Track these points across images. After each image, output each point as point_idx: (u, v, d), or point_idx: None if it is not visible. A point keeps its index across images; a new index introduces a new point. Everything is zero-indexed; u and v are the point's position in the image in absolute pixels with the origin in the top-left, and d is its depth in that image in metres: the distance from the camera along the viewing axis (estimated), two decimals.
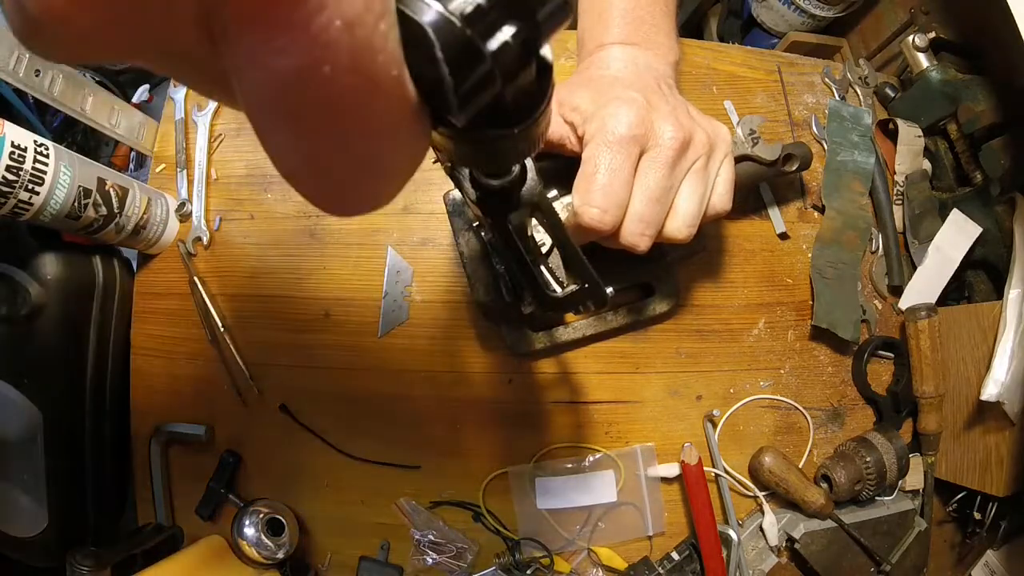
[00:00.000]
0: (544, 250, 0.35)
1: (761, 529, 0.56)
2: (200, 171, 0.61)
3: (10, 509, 0.52)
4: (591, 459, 0.57)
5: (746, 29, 0.97)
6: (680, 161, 0.39)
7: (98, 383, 0.56)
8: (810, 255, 0.61)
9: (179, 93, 0.63)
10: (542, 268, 0.33)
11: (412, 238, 0.59)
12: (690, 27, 1.04)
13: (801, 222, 0.63)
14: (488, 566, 0.56)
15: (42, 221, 0.46)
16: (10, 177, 0.42)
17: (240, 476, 0.57)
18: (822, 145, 0.64)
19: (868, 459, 0.55)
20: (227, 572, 0.52)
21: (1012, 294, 0.53)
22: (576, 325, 0.56)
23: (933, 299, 0.60)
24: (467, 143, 0.18)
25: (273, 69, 0.12)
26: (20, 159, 0.42)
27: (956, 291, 0.64)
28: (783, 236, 0.62)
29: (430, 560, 0.55)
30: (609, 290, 0.33)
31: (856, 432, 0.60)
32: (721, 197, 0.43)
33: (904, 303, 0.60)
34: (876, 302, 0.63)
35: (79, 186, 0.47)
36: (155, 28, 0.12)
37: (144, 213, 0.55)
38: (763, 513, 0.57)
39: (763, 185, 0.62)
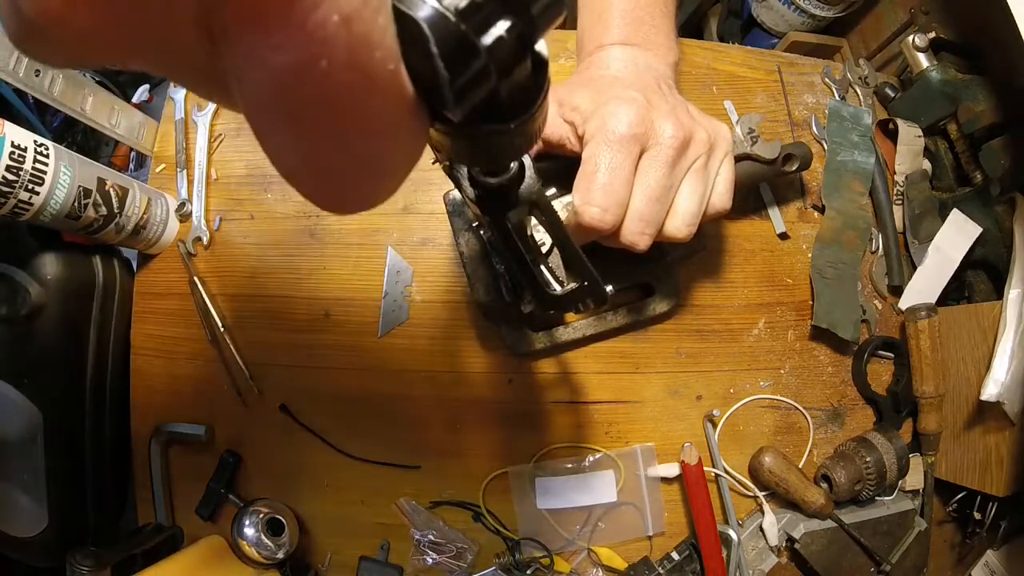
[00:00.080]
0: (544, 249, 0.35)
1: (761, 529, 0.56)
2: (200, 171, 0.61)
3: (10, 509, 0.52)
4: (591, 459, 0.57)
5: (746, 29, 0.97)
6: (680, 160, 0.39)
7: (98, 383, 0.56)
8: (810, 255, 0.61)
9: (179, 93, 0.63)
10: (542, 267, 0.33)
11: (412, 238, 0.59)
12: (690, 27, 1.04)
13: (801, 222, 0.63)
14: (488, 566, 0.56)
15: (42, 221, 0.46)
16: (10, 177, 0.42)
17: (240, 476, 0.57)
18: (822, 145, 0.64)
19: (868, 459, 0.55)
20: (227, 572, 0.52)
21: (1012, 294, 0.53)
22: (576, 325, 0.56)
23: (933, 299, 0.60)
24: (464, 139, 0.18)
25: (271, 66, 0.12)
26: (20, 159, 0.42)
27: (956, 291, 0.64)
28: (783, 236, 0.62)
29: (430, 560, 0.55)
30: (609, 289, 0.33)
31: (856, 432, 0.60)
32: (721, 196, 0.43)
33: (904, 303, 0.60)
34: (876, 302, 0.63)
35: (79, 186, 0.47)
36: (154, 28, 0.12)
37: (144, 213, 0.55)
38: (763, 513, 0.57)
39: (763, 185, 0.62)
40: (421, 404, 0.58)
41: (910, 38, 0.62)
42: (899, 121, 0.63)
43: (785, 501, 0.57)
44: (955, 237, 0.60)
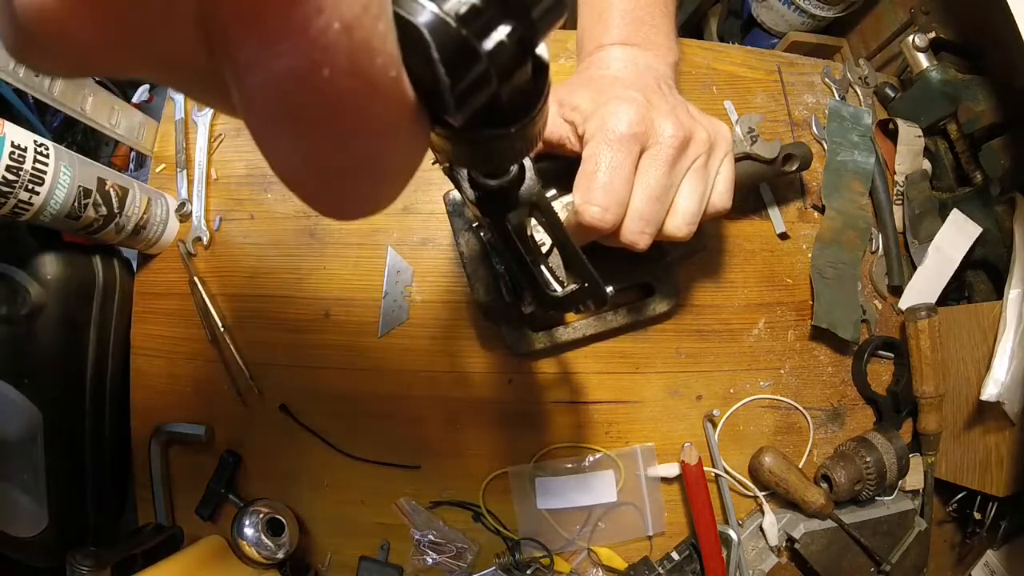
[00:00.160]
0: (544, 250, 0.35)
1: (761, 529, 0.56)
2: (200, 171, 0.61)
3: (10, 509, 0.52)
4: (591, 459, 0.57)
5: (746, 29, 0.97)
6: (680, 159, 0.39)
7: (98, 383, 0.56)
8: (810, 255, 0.61)
9: (179, 93, 0.63)
10: (542, 268, 0.33)
11: (412, 238, 0.59)
12: (690, 27, 1.04)
13: (801, 222, 0.63)
14: (488, 566, 0.56)
15: (42, 221, 0.46)
16: (10, 177, 0.42)
17: (240, 476, 0.57)
18: (822, 145, 0.64)
19: (868, 459, 0.55)
20: (227, 572, 0.52)
21: (1012, 294, 0.53)
22: (576, 325, 0.56)
23: (933, 299, 0.60)
24: (464, 143, 0.18)
25: (272, 74, 0.11)
26: (20, 159, 0.42)
27: (956, 291, 0.64)
28: (783, 236, 0.62)
29: (430, 560, 0.55)
30: (609, 289, 0.33)
31: (856, 432, 0.60)
32: (721, 195, 0.43)
33: (904, 303, 0.60)
34: (876, 302, 0.63)
35: (79, 186, 0.47)
36: (154, 37, 0.11)
37: (144, 213, 0.55)
38: (763, 513, 0.57)
39: (763, 185, 0.62)
40: (421, 404, 0.58)
41: (910, 38, 0.62)
42: (899, 121, 0.63)
43: (785, 501, 0.57)
44: (955, 237, 0.60)
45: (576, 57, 0.50)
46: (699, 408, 0.59)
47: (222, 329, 0.57)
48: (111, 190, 0.50)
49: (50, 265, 0.50)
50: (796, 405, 0.60)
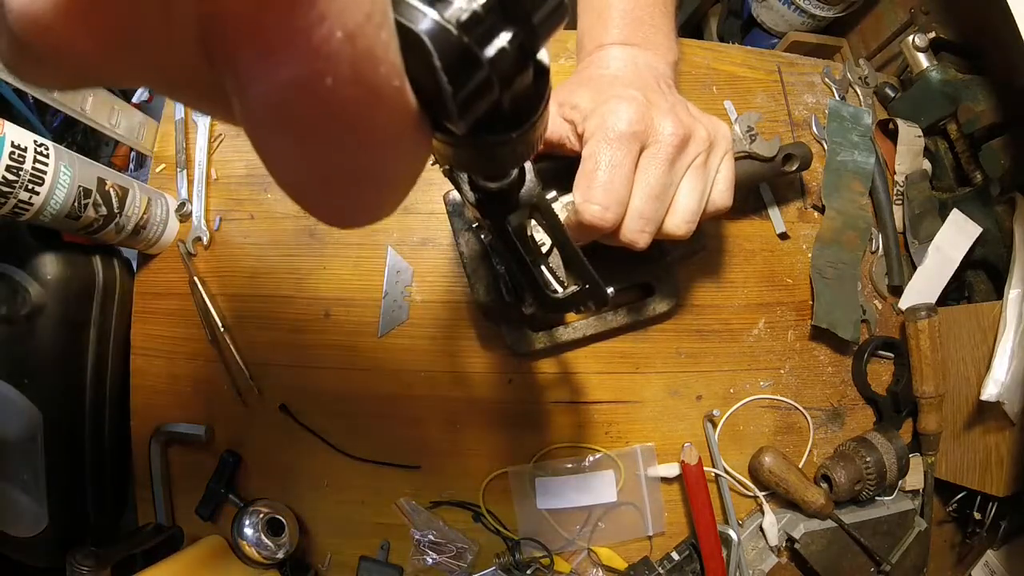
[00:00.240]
0: (544, 250, 0.35)
1: (761, 529, 0.56)
2: (200, 171, 0.61)
3: (10, 509, 0.52)
4: (591, 459, 0.57)
5: (746, 29, 0.97)
6: (680, 157, 0.39)
7: (98, 383, 0.56)
8: (810, 255, 0.61)
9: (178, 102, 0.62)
10: (542, 268, 0.33)
11: (412, 238, 0.59)
12: (690, 27, 1.04)
13: (801, 222, 0.63)
14: (488, 566, 0.56)
15: (42, 221, 0.46)
16: (10, 177, 0.42)
17: (240, 476, 0.57)
18: (822, 145, 0.64)
19: (868, 459, 0.55)
20: (227, 572, 0.52)
21: (1012, 294, 0.53)
22: (576, 325, 0.56)
23: (933, 299, 0.60)
24: (466, 149, 0.18)
25: (274, 83, 0.11)
26: (20, 159, 0.42)
27: (956, 291, 0.64)
28: (783, 236, 0.62)
29: (430, 560, 0.55)
30: (610, 290, 0.33)
31: (856, 432, 0.60)
32: (721, 194, 0.43)
33: (904, 303, 0.60)
34: (876, 302, 0.63)
35: (79, 186, 0.47)
36: (153, 49, 0.11)
37: (144, 213, 0.55)
38: (763, 513, 0.57)
39: (763, 185, 0.62)
40: (421, 404, 0.58)
41: (910, 38, 0.62)
42: (899, 121, 0.63)
43: (785, 501, 0.57)
44: (955, 237, 0.60)
45: (576, 57, 0.50)
46: (699, 408, 0.59)
47: (222, 329, 0.57)
48: (111, 190, 0.50)
49: (50, 265, 0.50)
50: (796, 405, 0.60)
